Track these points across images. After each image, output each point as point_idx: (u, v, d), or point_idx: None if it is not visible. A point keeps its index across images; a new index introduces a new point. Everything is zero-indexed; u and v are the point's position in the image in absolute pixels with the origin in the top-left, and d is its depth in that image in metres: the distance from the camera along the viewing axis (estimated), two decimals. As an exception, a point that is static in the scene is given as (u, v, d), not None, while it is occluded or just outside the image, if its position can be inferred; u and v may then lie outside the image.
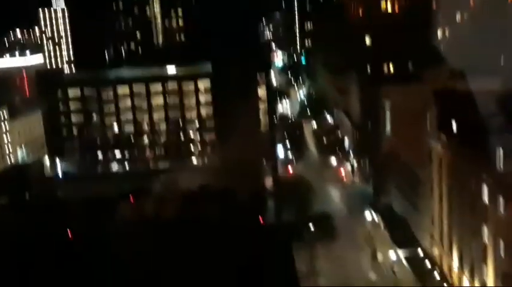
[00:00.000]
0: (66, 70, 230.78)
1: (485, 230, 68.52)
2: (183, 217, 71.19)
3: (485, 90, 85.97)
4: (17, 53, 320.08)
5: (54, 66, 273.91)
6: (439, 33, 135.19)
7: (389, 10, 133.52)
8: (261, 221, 70.16)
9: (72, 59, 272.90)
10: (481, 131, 66.18)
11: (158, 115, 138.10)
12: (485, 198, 67.71)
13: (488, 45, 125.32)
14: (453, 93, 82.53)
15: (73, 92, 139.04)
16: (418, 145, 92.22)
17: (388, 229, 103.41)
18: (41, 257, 58.88)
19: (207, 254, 54.63)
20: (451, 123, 77.38)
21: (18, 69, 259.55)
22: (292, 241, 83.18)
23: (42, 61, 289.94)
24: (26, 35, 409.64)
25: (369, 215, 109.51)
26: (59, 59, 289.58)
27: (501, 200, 63.73)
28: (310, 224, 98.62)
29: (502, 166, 62.92)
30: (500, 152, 62.90)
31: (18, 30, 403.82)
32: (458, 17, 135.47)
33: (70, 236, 71.50)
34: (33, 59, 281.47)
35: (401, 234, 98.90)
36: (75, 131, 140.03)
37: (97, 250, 58.10)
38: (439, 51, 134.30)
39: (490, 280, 67.54)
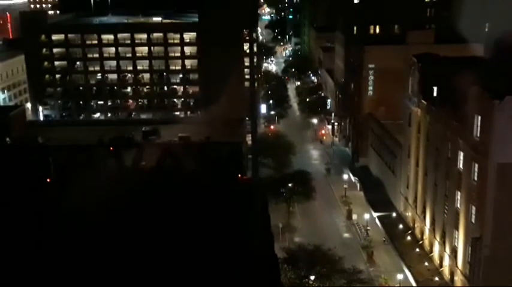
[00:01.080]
0: (51, 14, 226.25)
1: (458, 196, 70.04)
2: (161, 167, 71.54)
3: (469, 56, 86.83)
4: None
5: (38, 9, 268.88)
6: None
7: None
8: (239, 176, 70.77)
9: (57, 2, 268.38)
10: (460, 98, 66.92)
11: (142, 65, 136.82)
12: (460, 165, 69.00)
13: (474, 11, 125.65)
14: (436, 58, 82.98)
15: (57, 36, 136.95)
16: (399, 109, 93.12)
17: (363, 189, 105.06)
18: (18, 200, 59.18)
19: (183, 205, 55.25)
20: (432, 89, 78.04)
21: (1, 10, 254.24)
22: (270, 197, 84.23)
23: (26, 2, 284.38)
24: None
25: (346, 175, 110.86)
26: (43, 2, 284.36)
27: (475, 167, 65.03)
28: (289, 182, 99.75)
29: (478, 134, 63.94)
30: (477, 119, 63.84)
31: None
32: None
33: (48, 180, 71.61)
34: (17, 1, 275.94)
35: (377, 195, 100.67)
36: (58, 76, 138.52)
37: (74, 196, 58.44)
38: (425, 15, 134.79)
39: (460, 245, 69.37)
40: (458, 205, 69.92)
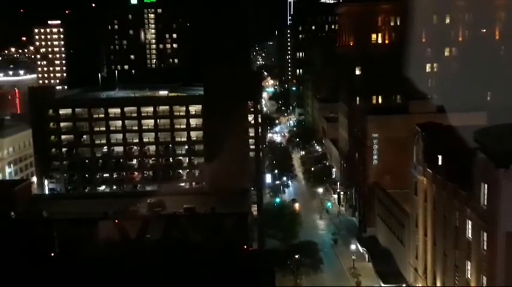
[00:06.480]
0: (59, 89, 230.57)
1: (469, 266, 68.82)
2: (166, 239, 71.05)
3: (472, 125, 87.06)
4: (10, 72, 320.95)
5: (47, 84, 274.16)
6: (427, 67, 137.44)
7: (380, 42, 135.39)
8: (245, 247, 70.09)
9: (65, 78, 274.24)
10: (466, 167, 66.76)
11: (148, 137, 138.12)
12: (469, 234, 68.14)
13: (475, 81, 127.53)
14: (440, 127, 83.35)
15: (64, 111, 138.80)
16: (404, 177, 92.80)
17: (372, 260, 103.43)
18: (22, 274, 58.63)
19: (188, 278, 54.60)
20: (437, 157, 78.01)
21: (11, 85, 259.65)
22: (276, 269, 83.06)
23: (35, 78, 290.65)
24: (20, 53, 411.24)
25: (354, 246, 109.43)
26: (51, 77, 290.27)
27: (484, 236, 64.16)
28: (295, 253, 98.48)
29: (485, 202, 63.44)
30: (484, 188, 63.47)
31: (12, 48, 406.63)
32: (446, 51, 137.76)
33: (52, 254, 71.14)
34: (27, 77, 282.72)
35: (386, 266, 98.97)
36: (64, 150, 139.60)
37: (79, 269, 57.89)
38: (427, 85, 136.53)
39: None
40: (469, 275, 68.55)
